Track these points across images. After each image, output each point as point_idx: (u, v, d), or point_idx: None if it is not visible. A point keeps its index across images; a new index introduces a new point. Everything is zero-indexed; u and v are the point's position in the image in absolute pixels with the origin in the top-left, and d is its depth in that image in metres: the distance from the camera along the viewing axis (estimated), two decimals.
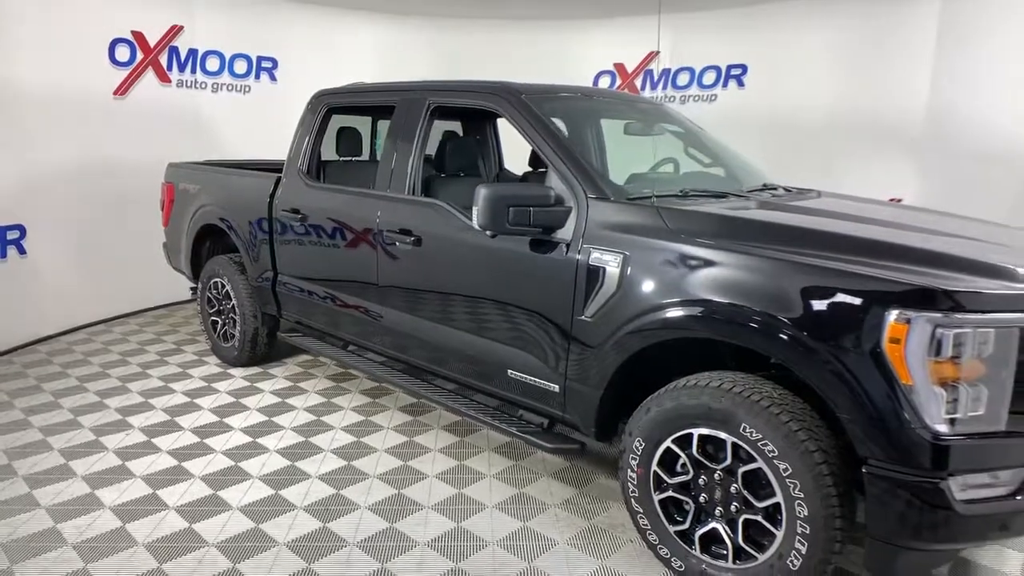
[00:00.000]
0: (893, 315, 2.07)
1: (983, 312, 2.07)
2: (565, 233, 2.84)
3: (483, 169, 5.10)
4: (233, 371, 4.99)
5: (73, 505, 3.17)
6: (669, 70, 8.14)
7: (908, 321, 2.05)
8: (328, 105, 4.23)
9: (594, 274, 2.74)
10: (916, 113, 6.29)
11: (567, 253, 2.83)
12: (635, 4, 7.69)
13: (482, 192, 2.74)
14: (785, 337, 2.25)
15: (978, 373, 2.08)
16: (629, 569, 2.76)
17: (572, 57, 8.37)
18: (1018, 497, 2.15)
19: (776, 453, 2.27)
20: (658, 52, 7.94)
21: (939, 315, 2.04)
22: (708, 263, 2.47)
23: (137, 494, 3.29)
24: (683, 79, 8.06)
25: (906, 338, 2.05)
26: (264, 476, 3.47)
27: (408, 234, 3.45)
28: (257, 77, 7.40)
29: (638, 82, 8.31)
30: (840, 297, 2.18)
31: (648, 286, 2.59)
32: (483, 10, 8.01)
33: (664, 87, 8.19)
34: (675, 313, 2.49)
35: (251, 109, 7.33)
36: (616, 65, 8.36)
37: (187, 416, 4.19)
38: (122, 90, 6.24)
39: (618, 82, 8.38)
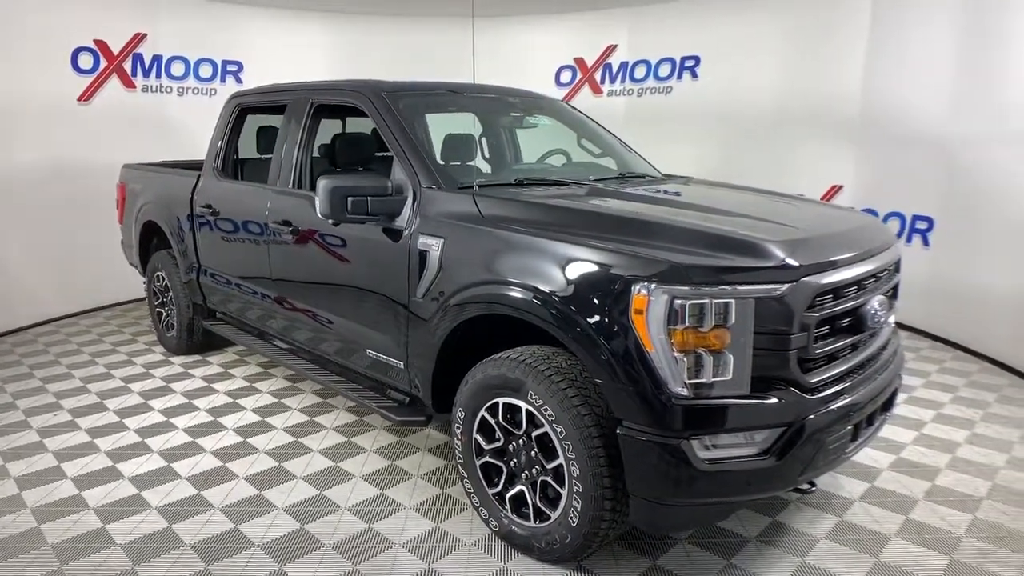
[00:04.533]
0: (636, 288, 2.25)
1: (719, 285, 2.23)
2: (402, 220, 3.07)
3: None
4: (174, 359, 5.31)
5: None
6: (627, 63, 8.27)
7: (648, 293, 2.23)
8: (239, 105, 4.51)
9: (423, 257, 2.95)
10: (852, 102, 6.35)
11: (403, 239, 3.05)
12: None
13: (321, 183, 2.97)
14: (547, 308, 2.45)
15: (723, 341, 2.25)
16: (458, 530, 2.97)
17: (535, 53, 8.55)
18: (762, 457, 2.31)
19: (554, 417, 2.47)
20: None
21: (675, 288, 2.21)
22: (505, 244, 2.67)
23: (44, 465, 3.59)
24: (640, 72, 8.19)
25: (647, 309, 2.23)
26: (163, 451, 3.76)
27: (288, 224, 3.70)
28: (223, 80, 7.72)
29: (597, 76, 8.46)
30: (595, 273, 2.37)
31: (459, 267, 2.81)
32: (445, 8, 8.22)
33: (623, 80, 8.33)
34: (474, 291, 2.70)
35: (218, 111, 7.63)
36: (576, 60, 8.51)
37: (115, 399, 4.50)
38: (86, 96, 6.60)
39: (579, 76, 8.54)
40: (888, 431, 3.86)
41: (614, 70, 8.36)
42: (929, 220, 5.72)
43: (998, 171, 4.99)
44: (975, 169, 5.22)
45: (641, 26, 8.06)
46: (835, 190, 6.66)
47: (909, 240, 5.87)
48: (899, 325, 5.86)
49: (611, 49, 8.32)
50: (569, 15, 8.35)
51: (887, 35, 6.03)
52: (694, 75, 7.80)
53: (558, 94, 8.31)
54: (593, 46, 8.38)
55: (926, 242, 5.72)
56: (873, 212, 6.17)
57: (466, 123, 3.87)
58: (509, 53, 8.39)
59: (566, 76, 8.60)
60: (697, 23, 7.65)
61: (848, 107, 6.41)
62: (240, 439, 3.89)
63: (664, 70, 8.00)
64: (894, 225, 6.00)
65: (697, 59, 7.74)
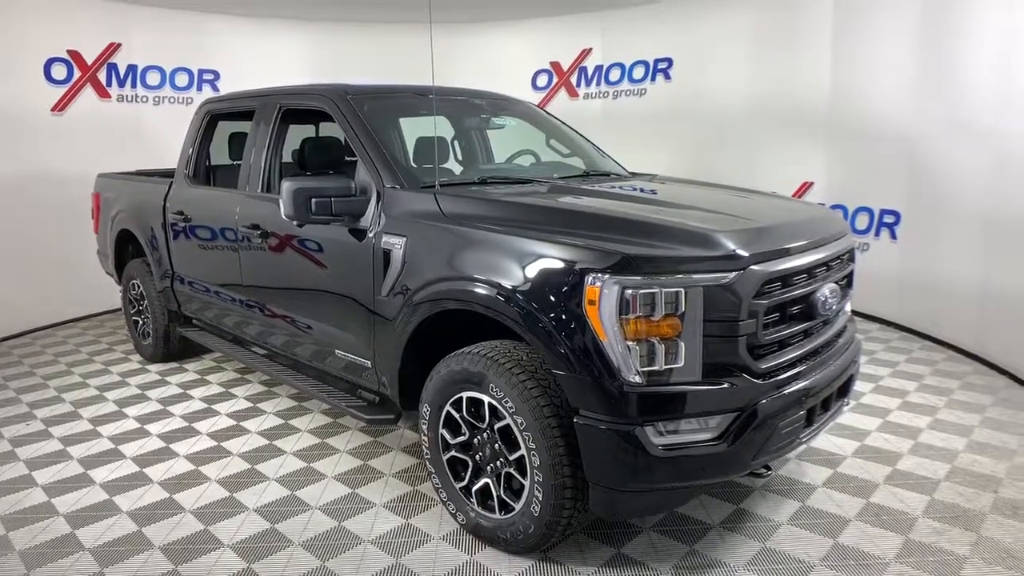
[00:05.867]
0: (589, 280, 2.30)
1: (668, 274, 2.29)
2: (367, 221, 3.11)
3: None
4: (150, 367, 5.31)
5: None
6: (602, 66, 8.35)
7: (600, 284, 2.28)
8: (210, 112, 4.54)
9: (387, 256, 3.00)
10: (821, 101, 6.45)
11: (368, 239, 3.09)
12: (570, 3, 7.90)
13: (284, 185, 3.01)
14: (505, 302, 2.50)
15: (674, 329, 2.30)
16: (427, 526, 3.00)
17: (511, 58, 8.61)
18: (716, 442, 2.36)
19: (514, 409, 2.51)
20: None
21: (626, 278, 2.27)
22: (466, 241, 2.72)
23: (15, 474, 3.60)
24: (615, 75, 8.27)
25: (599, 299, 2.28)
26: (136, 456, 3.77)
27: (257, 228, 3.73)
28: (199, 89, 7.73)
29: (573, 79, 8.53)
30: (549, 266, 2.42)
31: (422, 265, 2.85)
32: (420, 15, 8.25)
33: (598, 83, 8.41)
34: (436, 288, 2.75)
35: None
36: (552, 63, 8.58)
37: (90, 407, 4.50)
38: (60, 107, 6.61)
39: (555, 80, 8.61)
40: (854, 419, 3.93)
41: (589, 73, 8.44)
42: (896, 214, 5.82)
43: (957, 166, 5.10)
44: (937, 164, 5.32)
45: (615, 29, 8.15)
46: (806, 187, 6.76)
47: (878, 234, 5.97)
48: (870, 317, 5.98)
49: (586, 53, 8.40)
50: (544, 19, 8.42)
51: (849, 35, 6.13)
52: (667, 77, 7.89)
53: (535, 98, 8.38)
54: (568, 50, 8.46)
55: (894, 235, 5.81)
56: (843, 207, 6.28)
57: (438, 126, 3.92)
58: (486, 58, 8.47)
59: (543, 80, 8.67)
60: (669, 26, 7.74)
61: (817, 106, 6.50)
62: (214, 443, 3.91)
63: (638, 72, 8.09)
64: (863, 220, 6.10)
65: (670, 61, 7.83)
